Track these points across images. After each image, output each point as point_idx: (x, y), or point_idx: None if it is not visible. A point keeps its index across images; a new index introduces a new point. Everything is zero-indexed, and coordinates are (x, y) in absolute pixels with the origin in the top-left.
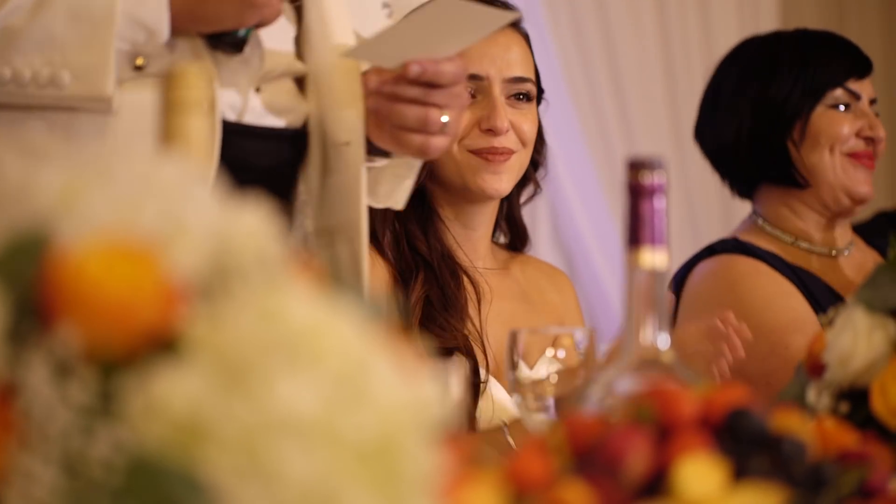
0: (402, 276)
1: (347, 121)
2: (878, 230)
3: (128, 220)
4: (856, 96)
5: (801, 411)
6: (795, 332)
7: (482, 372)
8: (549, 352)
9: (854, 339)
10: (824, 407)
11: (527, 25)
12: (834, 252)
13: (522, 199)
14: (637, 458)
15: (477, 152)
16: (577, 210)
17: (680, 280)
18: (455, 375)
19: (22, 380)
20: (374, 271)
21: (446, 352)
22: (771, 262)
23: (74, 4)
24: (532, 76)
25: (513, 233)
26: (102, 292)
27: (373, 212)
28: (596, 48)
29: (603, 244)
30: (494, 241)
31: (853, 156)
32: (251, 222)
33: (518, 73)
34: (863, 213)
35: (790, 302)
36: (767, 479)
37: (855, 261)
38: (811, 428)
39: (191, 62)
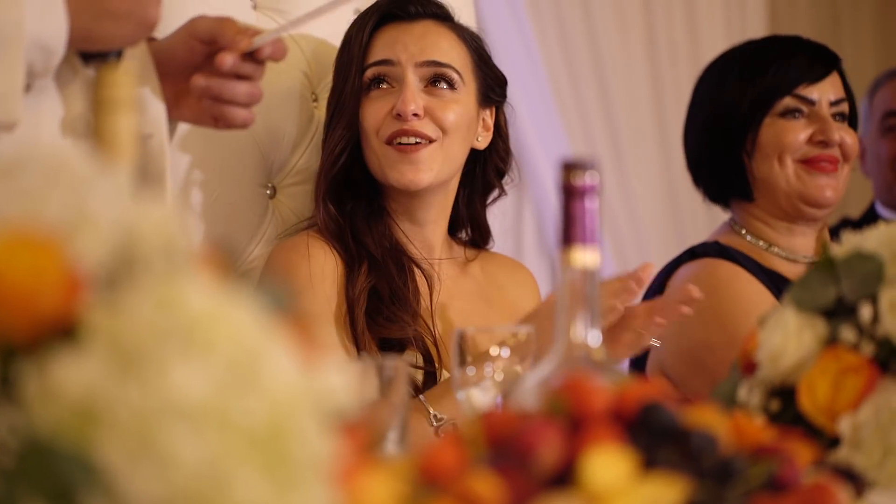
0: (348, 268)
1: (149, 113)
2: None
3: (33, 212)
4: (809, 101)
5: (733, 409)
6: None
7: (436, 365)
8: (494, 350)
9: (784, 338)
10: (755, 404)
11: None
12: (809, 258)
13: (489, 200)
14: (548, 450)
15: (390, 141)
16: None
17: (661, 282)
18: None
19: None
20: (325, 263)
21: (397, 344)
22: (749, 268)
23: None
24: (455, 65)
25: (475, 233)
26: (4, 280)
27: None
28: (581, 54)
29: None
30: (455, 238)
31: (807, 162)
32: (159, 215)
33: (433, 57)
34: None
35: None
36: (675, 471)
37: None
38: (725, 423)
39: (116, 63)
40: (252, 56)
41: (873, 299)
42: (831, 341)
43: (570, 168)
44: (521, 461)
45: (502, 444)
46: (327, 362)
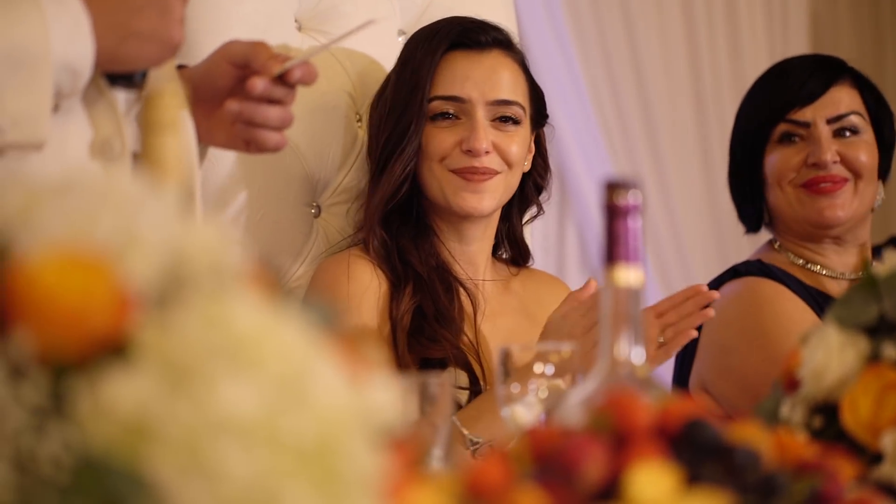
0: (394, 288)
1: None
2: None
3: (83, 232)
4: (803, 125)
5: (776, 426)
6: None
7: (481, 384)
8: (538, 367)
9: (827, 356)
10: (798, 421)
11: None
12: (851, 276)
13: (525, 219)
14: (592, 465)
15: (458, 172)
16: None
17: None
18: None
19: None
20: (369, 282)
21: (439, 363)
22: (791, 286)
23: (8, 48)
24: (520, 99)
25: (513, 250)
26: (56, 300)
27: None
28: (625, 74)
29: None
30: (497, 257)
31: (806, 186)
32: (206, 235)
33: (503, 96)
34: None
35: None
36: (719, 487)
37: None
38: (768, 440)
39: (164, 85)
40: (283, 80)
41: None
42: (873, 358)
43: (613, 187)
44: (565, 477)
45: (547, 460)
46: (373, 379)
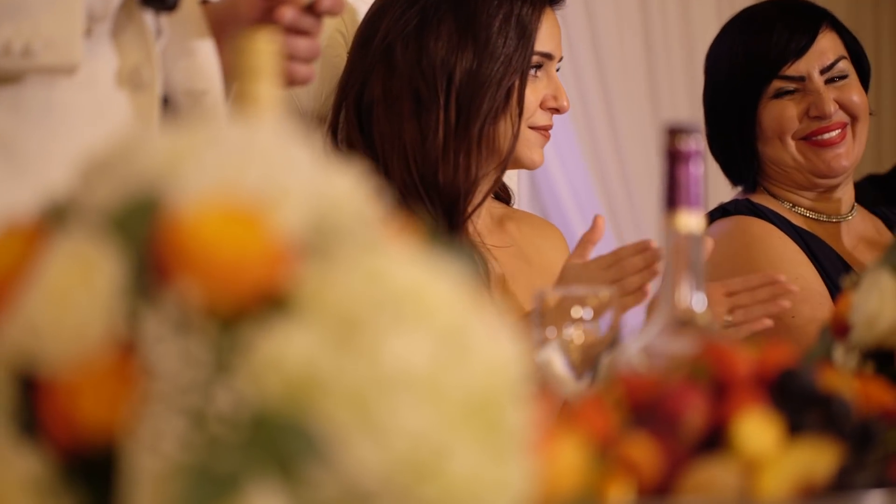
0: None
1: (203, 69)
2: (866, 195)
3: (233, 182)
4: (797, 79)
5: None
6: (803, 302)
7: None
8: (576, 311)
9: (881, 302)
10: (851, 367)
11: None
12: (836, 219)
13: None
14: (695, 415)
15: (539, 129)
16: (557, 176)
17: None
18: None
19: (142, 335)
20: None
21: None
22: (780, 226)
23: None
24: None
25: (501, 188)
26: (217, 251)
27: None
28: (582, 43)
29: (585, 221)
30: None
31: (808, 139)
32: (347, 183)
33: (560, 52)
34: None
35: (800, 270)
36: (821, 436)
37: (857, 226)
38: (854, 386)
39: (256, 30)
40: (311, 10)
41: None
42: None
43: (674, 132)
44: (668, 426)
45: (647, 410)
46: (505, 330)
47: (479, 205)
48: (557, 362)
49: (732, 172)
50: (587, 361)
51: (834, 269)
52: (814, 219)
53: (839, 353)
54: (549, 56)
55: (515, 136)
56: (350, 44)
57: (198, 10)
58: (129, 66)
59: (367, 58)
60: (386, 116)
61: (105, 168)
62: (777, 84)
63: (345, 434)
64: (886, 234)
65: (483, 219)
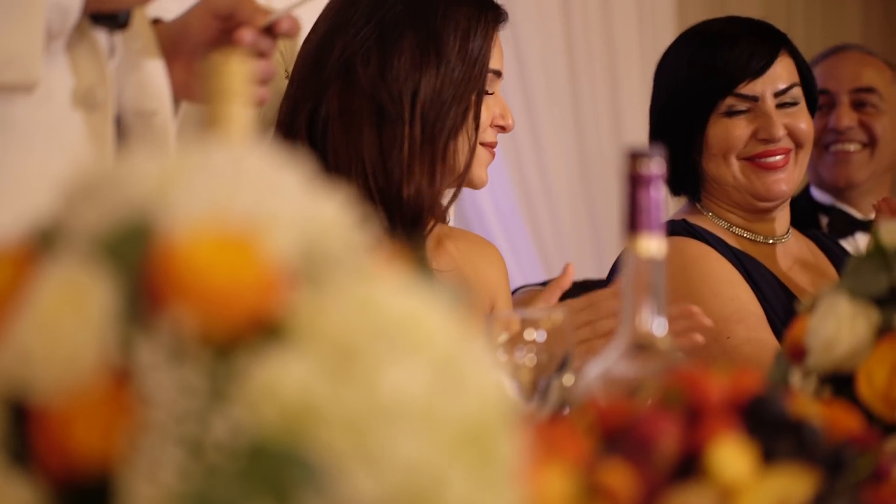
0: None
1: (154, 90)
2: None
3: (224, 208)
4: (751, 98)
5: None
6: (738, 323)
7: None
8: (529, 334)
9: (838, 326)
10: (809, 391)
11: None
12: (772, 240)
13: None
14: (669, 441)
15: (488, 145)
16: (486, 207)
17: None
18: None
19: (136, 363)
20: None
21: None
22: (717, 247)
23: None
24: None
25: None
26: (211, 278)
27: None
28: (506, 62)
29: (509, 240)
30: None
31: (753, 160)
32: (334, 209)
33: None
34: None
35: (736, 291)
36: (794, 462)
37: (792, 248)
38: (820, 412)
39: (229, 51)
40: (268, 31)
41: None
42: (884, 330)
43: (635, 156)
44: (641, 452)
45: (619, 436)
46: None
47: (438, 221)
48: (507, 385)
49: (673, 184)
50: (537, 385)
51: (770, 289)
52: (750, 239)
53: (796, 378)
54: (498, 73)
55: (472, 151)
56: (289, 63)
57: (148, 30)
58: (84, 85)
59: (322, 76)
60: (343, 133)
61: (92, 192)
62: (730, 101)
63: (342, 463)
64: (820, 256)
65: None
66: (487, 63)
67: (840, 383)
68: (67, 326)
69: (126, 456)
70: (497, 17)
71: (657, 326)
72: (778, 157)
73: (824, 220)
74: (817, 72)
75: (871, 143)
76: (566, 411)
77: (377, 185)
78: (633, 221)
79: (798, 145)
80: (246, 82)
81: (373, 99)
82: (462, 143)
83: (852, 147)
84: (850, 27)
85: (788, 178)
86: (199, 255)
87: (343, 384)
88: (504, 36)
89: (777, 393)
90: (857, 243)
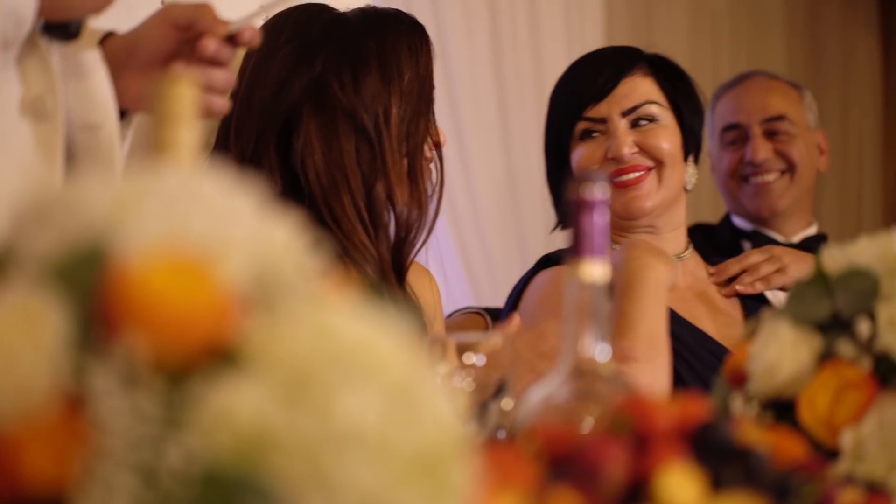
0: None
1: (99, 103)
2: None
3: (178, 233)
4: (599, 121)
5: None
6: None
7: None
8: (468, 357)
9: (780, 352)
10: (750, 417)
11: None
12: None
13: None
14: (616, 467)
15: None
16: None
17: (519, 292)
18: None
19: (90, 390)
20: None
21: None
22: None
23: None
24: None
25: None
26: (165, 303)
27: None
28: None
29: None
30: None
31: (610, 181)
32: (286, 234)
33: None
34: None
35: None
36: (740, 490)
37: (689, 268)
38: (766, 439)
39: (178, 71)
40: (230, 41)
41: (870, 315)
42: (826, 356)
43: (580, 181)
44: (588, 478)
45: (566, 462)
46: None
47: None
48: (460, 412)
49: (559, 214)
50: (475, 408)
51: None
52: None
53: (737, 404)
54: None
55: (428, 167)
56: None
57: (94, 44)
58: (32, 95)
59: (289, 97)
60: (324, 152)
61: (44, 215)
62: (582, 125)
63: (296, 490)
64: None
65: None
66: (433, 78)
67: (781, 409)
68: (20, 353)
69: (79, 483)
70: (425, 34)
71: (599, 352)
72: (632, 175)
73: (747, 246)
74: (724, 103)
75: (789, 169)
76: (502, 435)
77: (364, 202)
78: (577, 247)
79: (659, 162)
80: (194, 105)
81: (351, 118)
82: (425, 163)
83: (771, 177)
84: (774, 54)
85: (649, 194)
86: (153, 281)
87: (297, 411)
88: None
89: (724, 420)
90: None
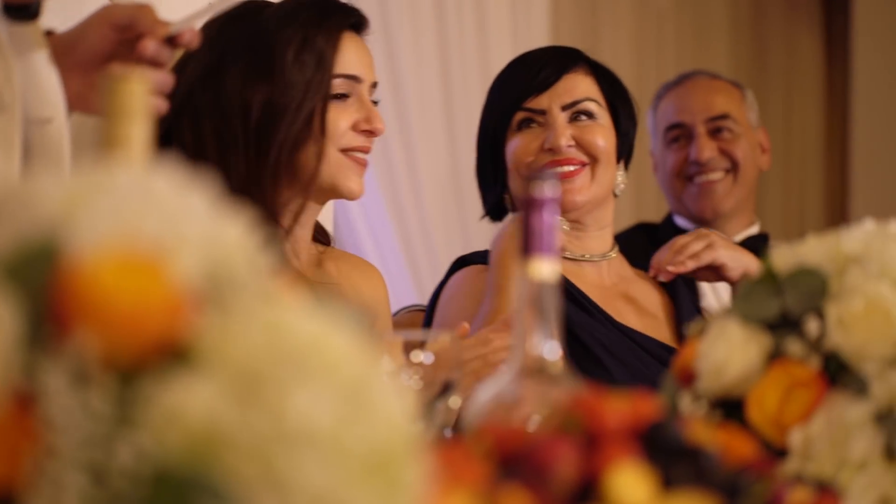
0: None
1: (49, 98)
2: (636, 242)
3: (131, 230)
4: (539, 112)
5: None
6: None
7: None
8: (417, 356)
9: (728, 351)
10: (699, 416)
11: None
12: (586, 258)
13: None
14: (566, 466)
15: (351, 150)
16: (357, 216)
17: (437, 292)
18: None
19: (40, 387)
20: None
21: None
22: None
23: None
24: None
25: (317, 228)
26: (117, 301)
27: None
28: (381, 78)
29: (379, 247)
30: None
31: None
32: (237, 232)
33: (372, 76)
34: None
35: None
36: (691, 489)
37: (608, 270)
38: (716, 438)
39: (129, 68)
40: (169, 43)
41: (819, 314)
42: (775, 355)
43: (530, 179)
44: (538, 477)
45: (516, 461)
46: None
47: (290, 231)
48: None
49: (487, 206)
50: (422, 406)
51: (577, 306)
52: (567, 258)
53: (687, 402)
54: (355, 79)
55: (318, 158)
56: None
57: (42, 39)
58: None
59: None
60: (194, 164)
61: None
62: (520, 115)
63: (248, 489)
64: (649, 288)
65: (304, 257)
66: (329, 71)
67: (730, 408)
68: None
69: (29, 481)
70: (342, 20)
71: (549, 350)
72: (566, 168)
73: None
74: (667, 102)
75: (733, 168)
76: (449, 434)
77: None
78: (527, 244)
79: (593, 159)
80: (145, 101)
81: (212, 124)
82: (308, 154)
83: (716, 176)
84: (719, 54)
85: (580, 189)
86: (104, 278)
87: (249, 410)
88: (378, 49)
89: (675, 419)
90: None
